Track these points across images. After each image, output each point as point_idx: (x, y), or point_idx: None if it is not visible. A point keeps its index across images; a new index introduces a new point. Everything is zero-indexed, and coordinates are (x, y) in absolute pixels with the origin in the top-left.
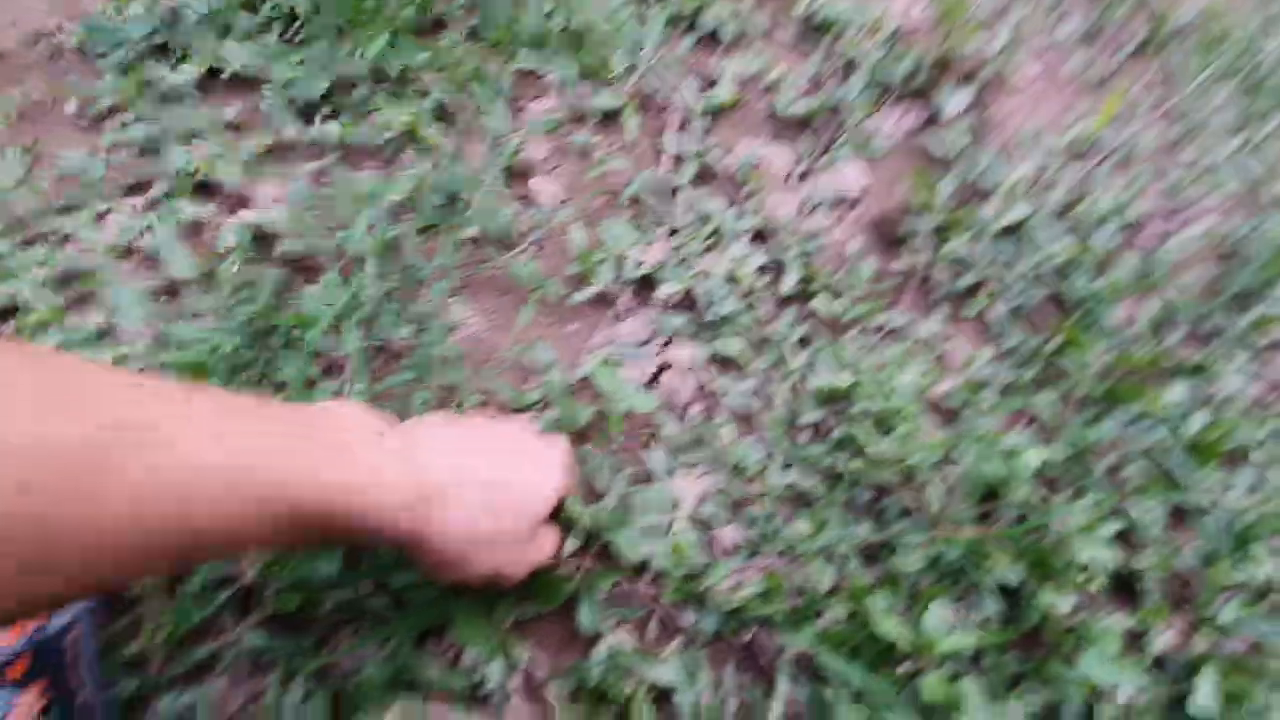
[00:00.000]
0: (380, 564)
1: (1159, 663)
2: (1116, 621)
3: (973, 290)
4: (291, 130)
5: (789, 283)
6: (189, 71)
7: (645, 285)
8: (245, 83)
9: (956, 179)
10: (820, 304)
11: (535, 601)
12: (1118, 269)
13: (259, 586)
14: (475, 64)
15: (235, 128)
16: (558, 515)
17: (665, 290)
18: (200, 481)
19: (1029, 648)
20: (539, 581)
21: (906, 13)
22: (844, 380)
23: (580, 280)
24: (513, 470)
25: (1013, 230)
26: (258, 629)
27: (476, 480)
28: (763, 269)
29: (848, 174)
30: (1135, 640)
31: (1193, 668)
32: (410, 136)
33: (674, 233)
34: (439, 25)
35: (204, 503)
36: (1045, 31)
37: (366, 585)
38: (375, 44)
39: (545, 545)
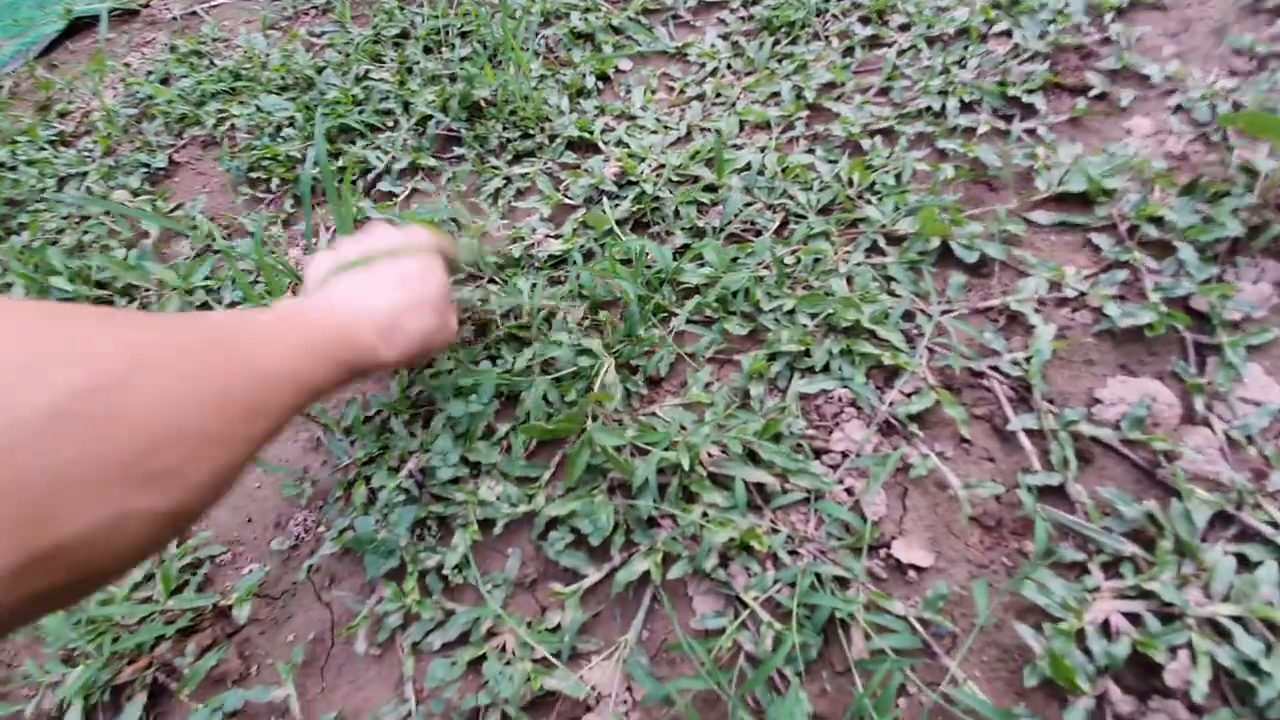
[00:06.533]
0: None
1: None
2: None
3: None
4: None
5: None
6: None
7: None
8: None
9: None
10: None
11: None
12: None
13: None
14: None
15: None
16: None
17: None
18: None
19: None
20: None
21: (1162, 147)
22: None
23: None
24: (400, 259)
25: None
26: None
27: (378, 278)
28: None
29: (1256, 379)
30: None
31: None
32: None
33: (1111, 566)
34: None
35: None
36: None
37: None
38: None
39: (455, 316)
